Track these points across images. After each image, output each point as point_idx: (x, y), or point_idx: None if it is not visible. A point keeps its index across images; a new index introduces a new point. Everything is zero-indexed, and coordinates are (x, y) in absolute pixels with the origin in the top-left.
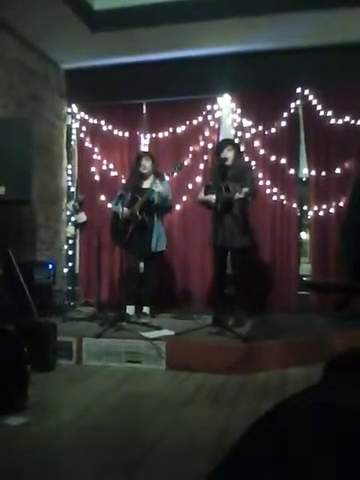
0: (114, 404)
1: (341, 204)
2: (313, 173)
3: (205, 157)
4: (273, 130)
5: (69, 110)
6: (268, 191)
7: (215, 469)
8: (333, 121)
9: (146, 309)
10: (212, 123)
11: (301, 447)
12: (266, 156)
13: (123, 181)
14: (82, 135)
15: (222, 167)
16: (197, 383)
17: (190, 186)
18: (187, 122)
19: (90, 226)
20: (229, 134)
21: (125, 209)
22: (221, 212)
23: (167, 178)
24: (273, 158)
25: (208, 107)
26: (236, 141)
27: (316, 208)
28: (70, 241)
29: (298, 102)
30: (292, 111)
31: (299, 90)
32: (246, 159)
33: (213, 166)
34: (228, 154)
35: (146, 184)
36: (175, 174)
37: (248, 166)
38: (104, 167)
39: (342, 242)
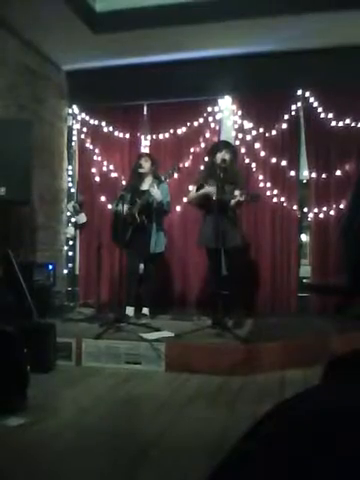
0: (113, 405)
1: (341, 206)
2: (314, 175)
3: (206, 159)
4: (274, 132)
5: (70, 111)
6: (268, 193)
7: (215, 470)
8: (334, 123)
9: (145, 310)
10: (213, 125)
11: (301, 448)
12: (267, 158)
13: (123, 182)
14: (83, 136)
15: (217, 168)
16: (196, 384)
17: (190, 187)
18: (188, 123)
19: (90, 227)
20: (230, 136)
21: (126, 206)
22: (215, 213)
23: (164, 180)
24: (274, 160)
25: (209, 109)
26: (236, 143)
27: (316, 210)
28: (70, 242)
29: (299, 104)
30: (293, 113)
31: (300, 92)
32: (246, 161)
33: (205, 166)
34: (226, 156)
35: (145, 186)
36: (167, 180)
37: (241, 171)
38: (104, 168)
39: (342, 243)
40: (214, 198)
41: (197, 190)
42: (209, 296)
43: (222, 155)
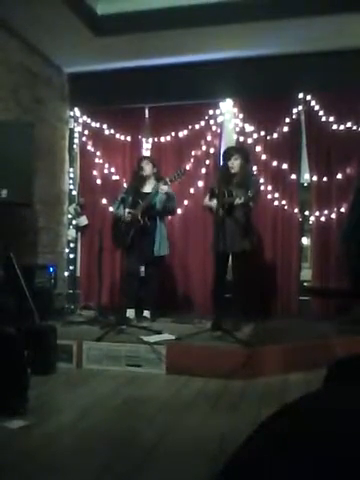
0: (114, 408)
1: (342, 210)
2: (315, 178)
3: (207, 162)
4: (275, 135)
5: (71, 114)
6: (269, 196)
7: (218, 472)
8: (335, 127)
9: (146, 313)
10: (214, 128)
11: (302, 449)
12: (268, 161)
13: (124, 185)
14: (84, 139)
15: (227, 174)
16: (197, 388)
17: (192, 191)
18: (189, 126)
19: (91, 229)
20: (231, 139)
21: (126, 210)
22: (222, 217)
23: (169, 183)
24: (275, 163)
25: (210, 112)
26: (243, 148)
27: (317, 213)
28: (71, 244)
29: (300, 107)
30: (294, 116)
31: (301, 95)
32: None
33: (218, 172)
34: (235, 163)
35: (147, 188)
36: (177, 180)
37: (252, 173)
38: (106, 171)
39: (343, 247)
40: (220, 213)
41: (210, 196)
42: (211, 299)
43: (231, 162)
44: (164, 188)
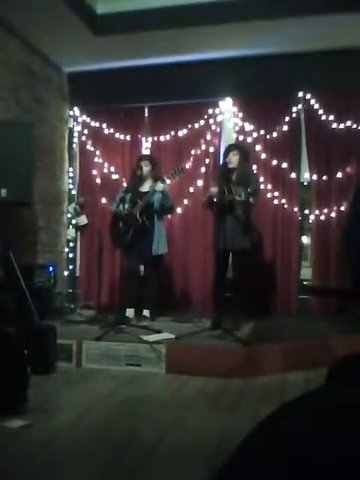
0: (114, 407)
1: (342, 208)
2: (314, 177)
3: (207, 161)
4: (275, 134)
5: (71, 113)
6: (269, 195)
7: (217, 471)
8: (335, 125)
9: (146, 312)
10: (214, 127)
11: (302, 448)
12: (267, 160)
13: (124, 184)
14: (84, 138)
15: (226, 171)
16: (197, 387)
17: (191, 190)
18: (189, 126)
19: (91, 229)
20: (231, 138)
21: (126, 207)
22: (222, 214)
23: (168, 181)
24: (274, 162)
25: (210, 111)
26: (242, 145)
27: (317, 212)
28: (71, 244)
29: (300, 106)
30: (294, 115)
31: (301, 94)
32: None
33: (218, 169)
34: (233, 158)
35: (145, 188)
36: (174, 177)
37: (252, 171)
38: (105, 170)
39: (344, 247)
40: (215, 200)
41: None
42: (210, 298)
43: (229, 158)
44: (160, 186)
